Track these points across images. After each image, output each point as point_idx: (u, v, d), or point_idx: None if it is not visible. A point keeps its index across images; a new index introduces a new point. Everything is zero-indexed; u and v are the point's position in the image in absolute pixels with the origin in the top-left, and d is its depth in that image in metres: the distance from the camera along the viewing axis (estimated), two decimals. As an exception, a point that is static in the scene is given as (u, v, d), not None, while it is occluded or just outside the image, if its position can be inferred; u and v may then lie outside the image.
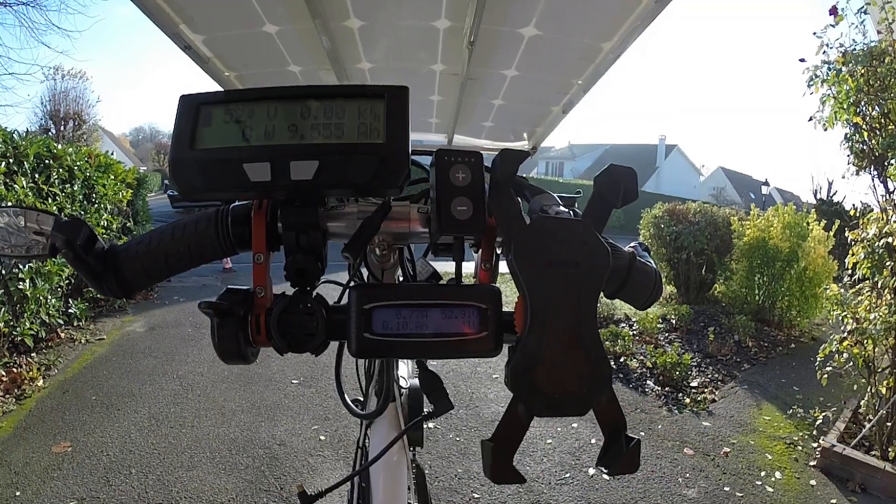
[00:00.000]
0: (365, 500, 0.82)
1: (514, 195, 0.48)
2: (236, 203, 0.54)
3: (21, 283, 3.23)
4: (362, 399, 1.03)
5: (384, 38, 0.95)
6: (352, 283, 0.67)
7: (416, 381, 0.94)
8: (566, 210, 0.55)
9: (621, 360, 4.12)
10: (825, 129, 2.96)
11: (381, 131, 0.47)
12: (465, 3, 0.80)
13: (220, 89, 1.07)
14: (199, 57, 0.96)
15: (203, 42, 0.93)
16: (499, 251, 0.59)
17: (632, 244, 0.61)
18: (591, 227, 0.47)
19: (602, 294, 0.54)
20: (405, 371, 1.11)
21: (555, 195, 0.59)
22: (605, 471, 0.46)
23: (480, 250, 0.58)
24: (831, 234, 5.06)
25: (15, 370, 3.20)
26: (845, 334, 2.80)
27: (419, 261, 0.73)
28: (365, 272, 0.70)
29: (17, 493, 2.16)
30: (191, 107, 0.48)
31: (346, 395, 0.69)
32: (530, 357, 0.43)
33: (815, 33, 2.90)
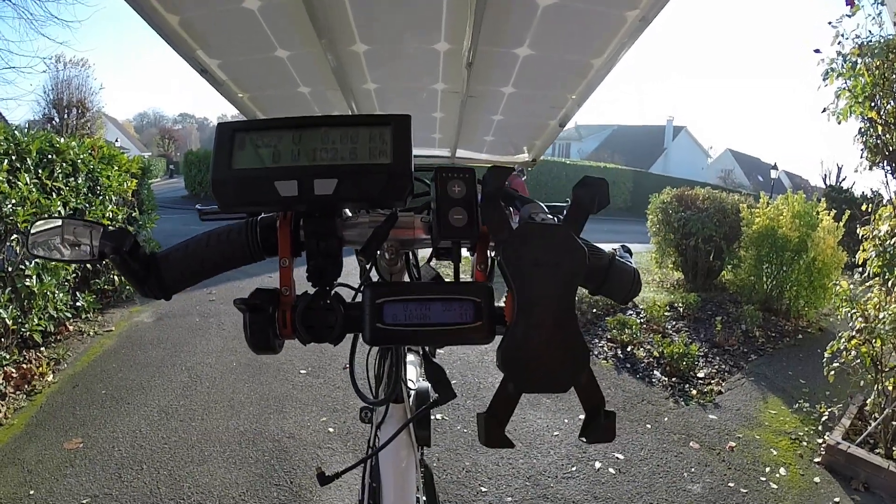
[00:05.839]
0: (375, 499, 0.88)
1: (501, 205, 0.54)
2: (262, 215, 0.63)
3: (28, 279, 3.24)
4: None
5: (388, 61, 0.99)
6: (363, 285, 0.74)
7: (424, 384, 1.03)
8: (551, 217, 0.63)
9: (628, 349, 4.14)
10: (839, 122, 2.90)
11: (389, 153, 0.55)
12: (462, 27, 0.84)
13: (233, 109, 1.15)
14: (215, 80, 0.99)
15: (219, 66, 0.96)
16: (492, 254, 0.66)
17: (614, 246, 0.69)
18: (570, 232, 0.52)
19: (587, 290, 0.66)
20: (413, 374, 1.15)
21: (542, 204, 0.69)
22: (584, 440, 0.53)
23: (476, 253, 0.65)
24: (841, 224, 4.99)
25: (25, 366, 3.22)
26: (854, 332, 2.79)
27: (424, 265, 0.80)
28: (374, 276, 0.77)
29: (31, 492, 2.19)
30: (227, 133, 0.56)
31: (358, 385, 0.76)
32: (518, 343, 0.49)
33: (830, 23, 2.83)
